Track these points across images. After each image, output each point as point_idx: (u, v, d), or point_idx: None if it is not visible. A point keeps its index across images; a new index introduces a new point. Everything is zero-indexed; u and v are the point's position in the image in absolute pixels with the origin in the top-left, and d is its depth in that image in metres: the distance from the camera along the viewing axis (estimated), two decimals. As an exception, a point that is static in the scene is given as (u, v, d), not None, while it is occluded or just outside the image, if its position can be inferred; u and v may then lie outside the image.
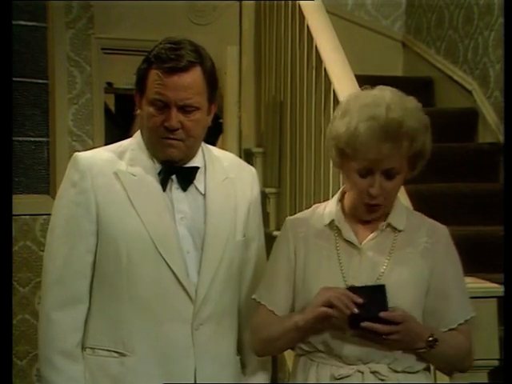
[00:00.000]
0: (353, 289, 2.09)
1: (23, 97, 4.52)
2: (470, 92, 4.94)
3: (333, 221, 2.22)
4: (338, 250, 2.20)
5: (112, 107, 6.48)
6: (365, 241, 2.20)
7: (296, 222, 2.28)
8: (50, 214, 2.32)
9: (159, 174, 2.26)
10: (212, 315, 2.27)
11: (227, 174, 2.36)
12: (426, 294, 2.18)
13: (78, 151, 2.33)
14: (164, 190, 2.26)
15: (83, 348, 2.28)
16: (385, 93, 2.15)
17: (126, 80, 6.06)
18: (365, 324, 2.04)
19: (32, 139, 4.59)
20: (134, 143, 2.31)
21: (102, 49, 4.72)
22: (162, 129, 2.19)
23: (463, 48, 5.04)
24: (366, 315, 2.04)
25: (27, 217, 4.50)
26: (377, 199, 2.14)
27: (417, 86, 5.18)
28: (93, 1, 4.56)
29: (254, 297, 2.28)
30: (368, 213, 2.18)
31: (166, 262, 2.21)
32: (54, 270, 2.25)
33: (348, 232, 2.20)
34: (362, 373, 2.13)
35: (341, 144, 2.13)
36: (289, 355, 3.36)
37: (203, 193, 2.30)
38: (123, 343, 2.23)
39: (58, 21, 4.52)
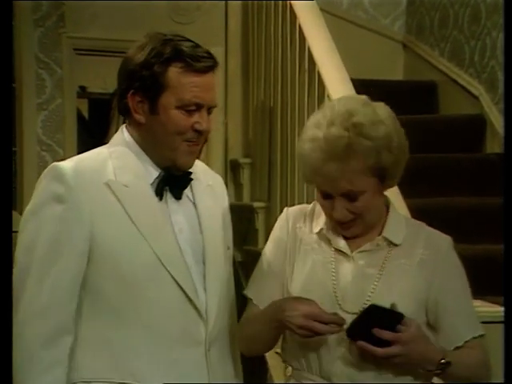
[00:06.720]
0: (371, 307, 2.04)
1: (-12, 102, 4.40)
2: (476, 97, 4.90)
3: (322, 229, 2.22)
4: (332, 256, 2.19)
5: (85, 113, 6.59)
6: (357, 250, 2.18)
7: (296, 215, 2.28)
8: (16, 232, 2.10)
9: (153, 183, 2.17)
10: (219, 334, 2.22)
11: (207, 181, 2.31)
12: (426, 308, 2.15)
13: (47, 162, 2.09)
14: (160, 199, 2.17)
15: (73, 383, 2.13)
16: (336, 104, 2.13)
17: (100, 84, 6.10)
18: (360, 343, 2.01)
19: (-3, 148, 4.48)
20: (116, 150, 2.19)
21: (75, 49, 4.66)
22: (190, 132, 2.14)
23: (469, 50, 5.02)
24: (363, 331, 2.00)
25: (-9, 234, 4.37)
26: (345, 220, 2.12)
27: (419, 91, 5.28)
28: (65, -2, 4.55)
29: (244, 292, 2.28)
30: (344, 230, 2.17)
31: (174, 279, 2.13)
32: (37, 299, 2.09)
33: (339, 241, 2.19)
34: None
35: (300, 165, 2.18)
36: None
37: (192, 200, 2.24)
38: (132, 373, 2.11)
39: (25, 18, 4.45)
